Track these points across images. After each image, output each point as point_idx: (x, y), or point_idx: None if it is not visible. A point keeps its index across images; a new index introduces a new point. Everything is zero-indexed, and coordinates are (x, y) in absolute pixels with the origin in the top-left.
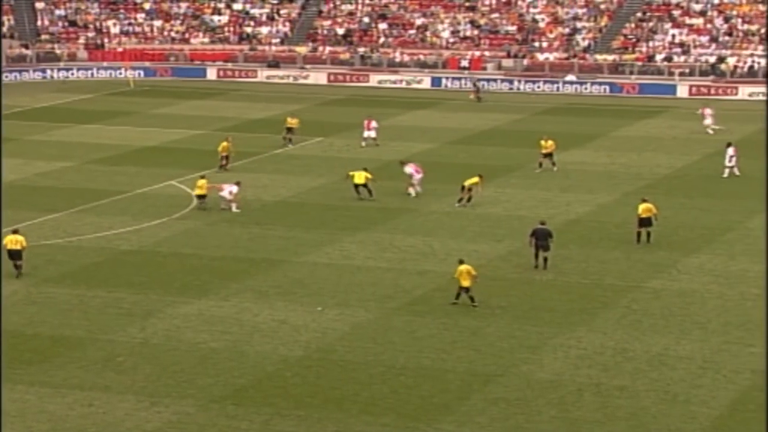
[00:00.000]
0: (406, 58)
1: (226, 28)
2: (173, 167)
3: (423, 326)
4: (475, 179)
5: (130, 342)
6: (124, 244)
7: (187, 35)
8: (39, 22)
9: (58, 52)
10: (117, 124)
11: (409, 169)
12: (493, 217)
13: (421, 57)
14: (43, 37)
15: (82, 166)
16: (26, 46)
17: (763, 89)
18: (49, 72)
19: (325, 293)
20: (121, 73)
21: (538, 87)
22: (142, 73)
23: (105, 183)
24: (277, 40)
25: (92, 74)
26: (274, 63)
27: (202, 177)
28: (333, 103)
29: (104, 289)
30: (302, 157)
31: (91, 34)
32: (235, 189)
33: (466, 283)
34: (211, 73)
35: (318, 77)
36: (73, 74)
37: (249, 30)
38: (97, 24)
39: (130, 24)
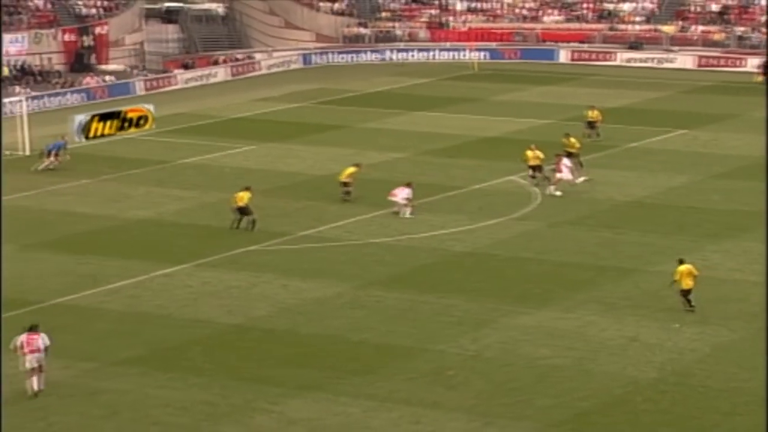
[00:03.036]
0: None
1: (583, 5)
2: (515, 161)
3: None
4: None
5: (462, 354)
6: (457, 245)
7: (539, 13)
8: None
9: (397, 32)
10: (456, 112)
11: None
12: None
13: None
14: (383, 15)
15: (416, 157)
16: (364, 25)
17: None
18: (387, 53)
19: (682, 309)
20: (464, 55)
21: None
22: (487, 54)
23: (439, 177)
24: (641, 19)
25: (433, 56)
26: (636, 44)
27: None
28: (701, 91)
29: (435, 294)
30: (661, 152)
31: (434, 12)
32: (407, 193)
33: (687, 284)
34: (564, 56)
35: (685, 61)
36: (412, 56)
37: (610, 7)
38: (442, 0)
39: (477, 0)
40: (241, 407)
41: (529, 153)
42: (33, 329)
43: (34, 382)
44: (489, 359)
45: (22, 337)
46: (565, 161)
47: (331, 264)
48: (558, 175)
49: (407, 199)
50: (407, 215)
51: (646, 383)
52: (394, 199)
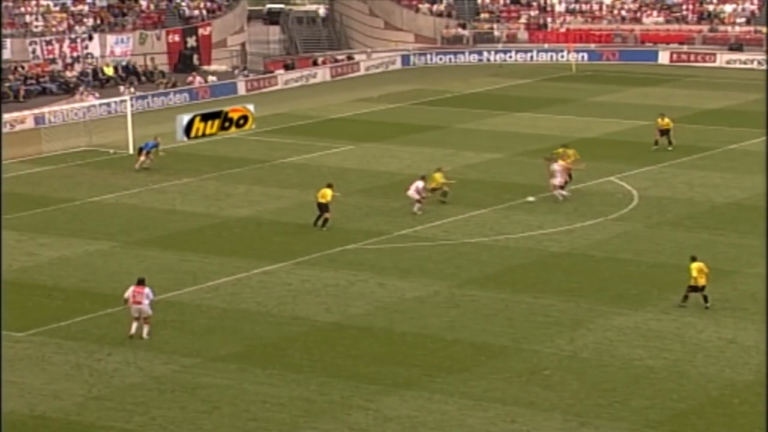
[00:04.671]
0: None
1: (684, 6)
2: (613, 161)
3: None
4: None
5: (558, 354)
6: (554, 246)
7: (639, 14)
8: (479, 0)
9: (496, 33)
10: (554, 113)
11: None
12: None
13: None
14: (482, 16)
15: (513, 158)
16: (463, 26)
17: None
18: (485, 54)
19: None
20: (562, 56)
21: None
22: (585, 56)
23: (536, 177)
24: (742, 20)
25: (531, 57)
26: (737, 46)
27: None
28: None
29: (531, 294)
30: (760, 154)
31: (533, 13)
32: (421, 185)
33: (701, 281)
34: (663, 57)
35: None
36: (510, 57)
37: (710, 8)
38: (542, 1)
39: (576, 1)
40: (338, 404)
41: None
42: (140, 283)
43: (133, 327)
44: (585, 359)
45: (131, 290)
46: (555, 166)
47: (428, 263)
48: (553, 181)
49: (418, 192)
50: (416, 211)
51: (743, 385)
52: (408, 193)
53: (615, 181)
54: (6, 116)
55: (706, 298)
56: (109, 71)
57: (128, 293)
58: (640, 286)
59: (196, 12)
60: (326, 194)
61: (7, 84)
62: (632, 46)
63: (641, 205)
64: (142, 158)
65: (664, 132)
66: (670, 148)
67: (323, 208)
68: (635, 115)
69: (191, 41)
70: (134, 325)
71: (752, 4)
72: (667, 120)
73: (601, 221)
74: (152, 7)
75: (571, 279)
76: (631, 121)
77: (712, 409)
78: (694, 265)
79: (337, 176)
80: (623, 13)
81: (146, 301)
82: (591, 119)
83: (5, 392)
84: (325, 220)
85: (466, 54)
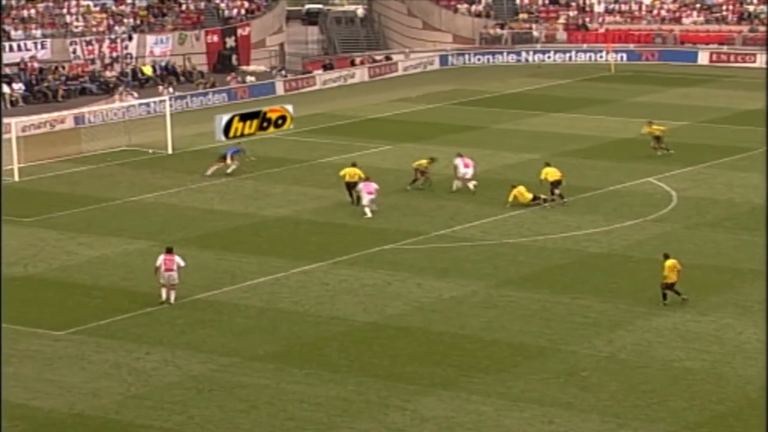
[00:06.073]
0: None
1: (724, 7)
2: (652, 162)
3: None
4: None
5: (596, 355)
6: (592, 246)
7: (678, 14)
8: (518, 0)
9: (535, 33)
10: (592, 113)
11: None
12: None
13: None
14: (521, 16)
15: (551, 158)
16: (502, 26)
17: None
18: (523, 54)
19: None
20: (601, 57)
21: None
22: (624, 56)
23: (575, 178)
24: None
25: (570, 57)
26: None
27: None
28: None
29: (569, 295)
30: None
31: (572, 13)
32: (372, 188)
33: (672, 278)
34: (703, 57)
35: None
36: (549, 57)
37: (750, 9)
38: (581, 1)
39: (616, 1)
40: (375, 404)
41: (548, 169)
42: (170, 251)
43: (164, 293)
44: (623, 361)
45: (161, 258)
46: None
47: (465, 263)
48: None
49: (370, 194)
50: (368, 213)
51: None
52: (363, 194)
53: (654, 182)
54: (45, 116)
55: (678, 293)
56: (148, 71)
57: (159, 261)
58: (678, 286)
59: (234, 12)
60: (354, 173)
61: (45, 84)
62: (672, 46)
63: (680, 206)
64: (221, 164)
65: (657, 138)
66: (671, 152)
67: (351, 186)
68: (674, 116)
69: (230, 41)
70: (164, 291)
71: None
72: (655, 126)
73: (640, 222)
74: (192, 7)
75: (609, 280)
76: (670, 122)
77: (750, 411)
78: (668, 263)
79: (375, 176)
80: (663, 12)
81: (175, 268)
82: (629, 120)
83: (45, 390)
84: (359, 200)
85: (505, 54)
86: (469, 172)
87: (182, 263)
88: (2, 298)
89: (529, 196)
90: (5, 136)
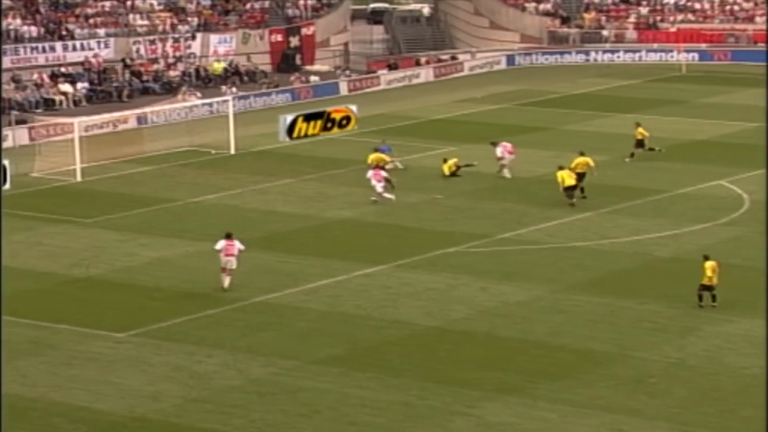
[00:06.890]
0: None
1: None
2: (723, 164)
3: None
4: None
5: (665, 361)
6: (660, 250)
7: (752, 13)
8: None
9: (604, 33)
10: (662, 114)
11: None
12: None
13: None
14: (591, 15)
15: (620, 160)
16: (565, 20)
17: None
18: (592, 54)
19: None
20: (672, 57)
21: None
22: (696, 56)
23: (644, 180)
24: None
25: (640, 57)
26: None
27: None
28: None
29: (636, 300)
30: None
31: (644, 11)
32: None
33: (714, 280)
34: None
35: None
36: (618, 57)
37: None
38: (652, 0)
39: (688, 0)
40: (439, 410)
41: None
42: (229, 236)
43: (226, 281)
44: (692, 367)
45: (223, 242)
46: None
47: (531, 267)
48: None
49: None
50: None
51: None
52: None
53: (725, 185)
54: (107, 116)
55: (714, 298)
56: (219, 68)
57: (220, 245)
58: (750, 292)
59: (298, 11)
60: (451, 165)
61: (113, 84)
62: (744, 46)
63: (752, 209)
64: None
65: (640, 142)
66: (663, 151)
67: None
68: (746, 117)
69: (294, 41)
70: (225, 278)
71: None
72: (641, 129)
73: (710, 226)
74: (256, 6)
75: (678, 285)
76: (742, 123)
77: None
78: (708, 264)
79: (440, 178)
80: (736, 12)
81: (236, 253)
82: (701, 121)
83: (106, 393)
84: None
85: (573, 54)
86: (507, 158)
87: (242, 247)
88: (5, 296)
89: (572, 181)
90: (67, 136)
